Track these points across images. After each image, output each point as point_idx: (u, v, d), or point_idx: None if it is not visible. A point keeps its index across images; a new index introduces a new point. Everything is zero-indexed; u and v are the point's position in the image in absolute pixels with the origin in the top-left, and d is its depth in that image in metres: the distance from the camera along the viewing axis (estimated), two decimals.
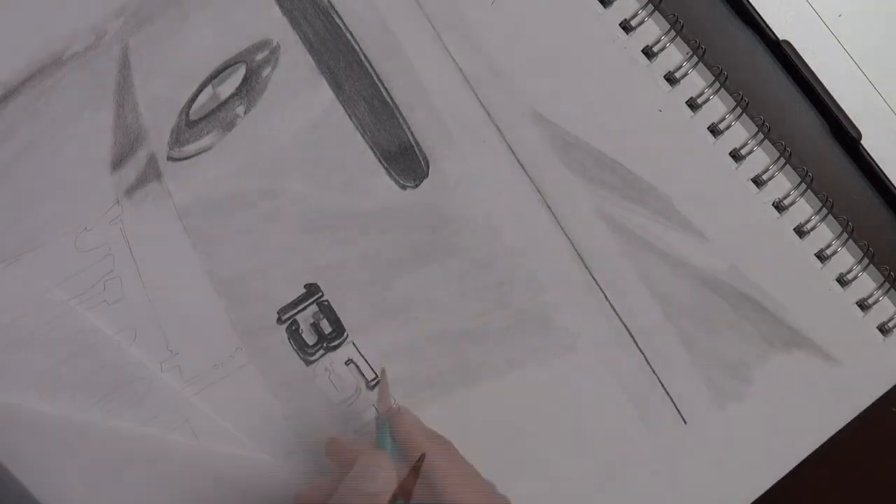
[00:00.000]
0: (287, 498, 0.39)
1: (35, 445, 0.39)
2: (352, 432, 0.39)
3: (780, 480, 0.40)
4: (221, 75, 0.41)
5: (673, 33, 0.41)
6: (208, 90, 0.41)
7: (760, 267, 0.41)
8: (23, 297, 0.39)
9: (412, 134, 0.41)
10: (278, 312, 0.40)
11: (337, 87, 0.41)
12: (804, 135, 0.42)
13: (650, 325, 0.40)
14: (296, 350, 0.40)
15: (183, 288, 0.40)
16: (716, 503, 0.40)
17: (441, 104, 0.41)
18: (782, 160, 0.41)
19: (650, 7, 0.41)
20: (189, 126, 0.41)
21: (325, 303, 0.40)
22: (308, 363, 0.40)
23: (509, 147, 0.41)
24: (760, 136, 0.41)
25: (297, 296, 0.40)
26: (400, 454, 0.36)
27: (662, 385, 0.40)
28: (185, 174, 0.41)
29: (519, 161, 0.41)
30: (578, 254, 0.40)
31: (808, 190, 0.41)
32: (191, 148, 0.41)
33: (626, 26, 0.42)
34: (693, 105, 0.41)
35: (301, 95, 0.41)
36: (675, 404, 0.40)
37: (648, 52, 0.41)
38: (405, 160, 0.41)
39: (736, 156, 0.41)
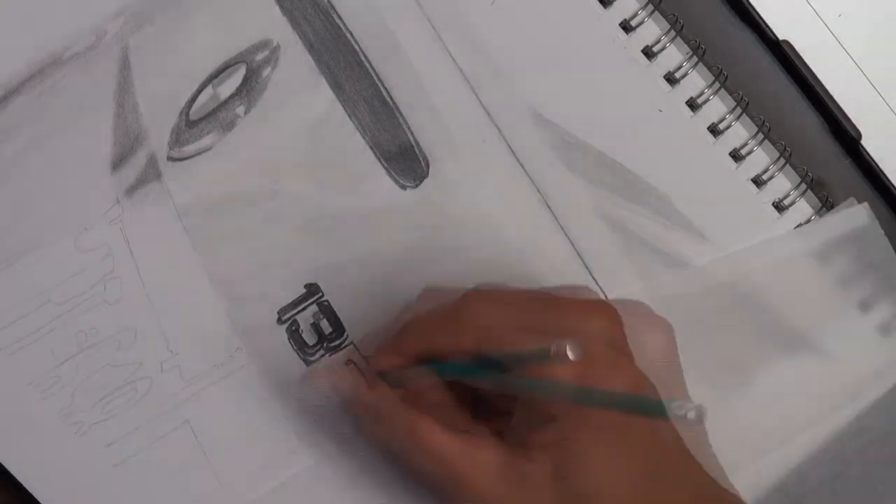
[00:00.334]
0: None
1: (35, 445, 0.39)
2: (349, 431, 0.39)
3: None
4: (221, 75, 0.41)
5: (673, 33, 0.41)
6: (208, 90, 0.41)
7: (760, 267, 0.41)
8: (23, 297, 0.39)
9: (412, 134, 0.41)
10: (278, 313, 0.40)
11: (337, 87, 0.41)
12: (804, 135, 0.42)
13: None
14: (296, 350, 0.40)
15: (183, 288, 0.40)
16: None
17: (441, 104, 0.41)
18: (782, 160, 0.41)
19: (650, 7, 0.41)
20: (189, 126, 0.41)
21: (326, 303, 0.40)
22: (308, 363, 0.40)
23: (509, 147, 0.41)
24: (760, 136, 0.41)
25: (297, 296, 0.40)
26: None
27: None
28: (186, 174, 0.41)
29: (519, 161, 0.41)
30: (578, 254, 0.40)
31: (808, 190, 0.41)
32: (191, 148, 0.41)
33: (626, 26, 0.42)
34: (693, 105, 0.41)
35: (301, 96, 0.41)
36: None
37: (648, 53, 0.41)
38: (405, 160, 0.41)
39: (736, 156, 0.41)
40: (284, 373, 0.39)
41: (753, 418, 0.40)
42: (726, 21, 0.43)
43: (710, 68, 0.41)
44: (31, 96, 0.41)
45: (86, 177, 0.40)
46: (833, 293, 0.41)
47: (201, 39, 0.41)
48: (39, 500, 0.39)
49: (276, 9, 0.42)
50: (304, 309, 0.40)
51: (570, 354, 0.27)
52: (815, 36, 0.43)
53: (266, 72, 0.41)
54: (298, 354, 0.40)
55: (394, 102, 0.41)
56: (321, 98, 0.41)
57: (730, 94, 0.41)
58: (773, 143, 0.41)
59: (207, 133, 0.41)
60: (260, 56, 0.41)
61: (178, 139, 0.41)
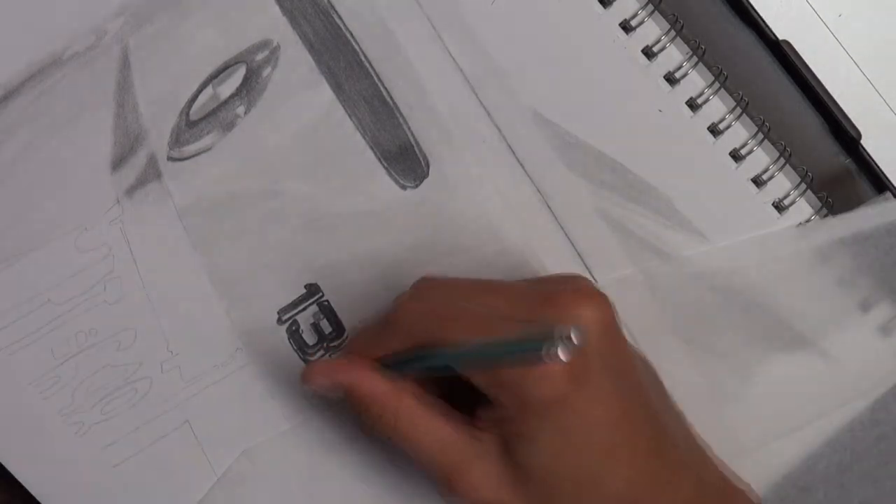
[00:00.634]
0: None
1: (35, 445, 0.39)
2: (351, 431, 0.39)
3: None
4: (221, 75, 0.41)
5: (673, 33, 0.41)
6: (208, 90, 0.41)
7: (760, 267, 0.41)
8: (23, 297, 0.39)
9: (412, 134, 0.41)
10: (278, 313, 0.40)
11: (337, 87, 0.41)
12: (804, 135, 0.42)
13: (650, 324, 0.40)
14: (296, 350, 0.40)
15: (183, 288, 0.40)
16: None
17: (441, 104, 0.41)
18: (782, 160, 0.41)
19: (650, 7, 0.41)
20: (189, 126, 0.41)
21: (326, 303, 0.40)
22: (308, 363, 0.39)
23: (509, 147, 0.41)
24: (760, 136, 0.41)
25: (297, 296, 0.40)
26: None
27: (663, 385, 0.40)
28: (186, 174, 0.41)
29: (519, 161, 0.41)
30: (578, 254, 0.40)
31: (808, 190, 0.41)
32: (191, 148, 0.41)
33: (625, 26, 0.42)
34: (693, 105, 0.41)
35: (301, 95, 0.41)
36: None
37: (648, 53, 0.41)
38: (405, 160, 0.41)
39: (736, 156, 0.41)
40: (284, 373, 0.39)
41: (754, 418, 0.40)
42: (726, 21, 0.43)
43: (709, 68, 0.41)
44: (31, 96, 0.41)
45: (86, 177, 0.41)
46: (834, 293, 0.41)
47: (201, 39, 0.41)
48: (39, 500, 0.39)
49: (276, 9, 0.42)
50: (304, 309, 0.40)
51: (574, 338, 0.27)
52: (815, 36, 0.43)
53: (266, 72, 0.41)
54: (298, 354, 0.40)
55: (394, 102, 0.41)
56: (321, 98, 0.41)
57: (730, 94, 0.41)
58: (773, 143, 0.41)
59: (207, 133, 0.41)
60: (260, 56, 0.41)
61: (178, 139, 0.41)
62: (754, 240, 0.41)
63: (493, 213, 0.40)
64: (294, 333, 0.40)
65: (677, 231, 0.41)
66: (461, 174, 0.41)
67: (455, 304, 0.34)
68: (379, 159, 0.41)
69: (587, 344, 0.29)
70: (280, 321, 0.40)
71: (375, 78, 0.41)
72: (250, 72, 0.41)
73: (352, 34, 0.42)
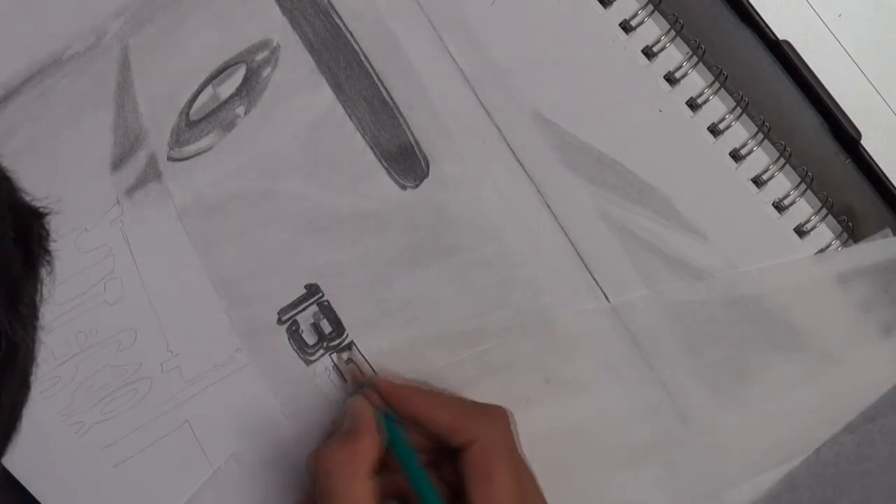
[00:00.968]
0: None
1: (35, 446, 0.39)
2: None
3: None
4: (221, 75, 0.41)
5: (673, 33, 0.41)
6: (208, 90, 0.41)
7: (760, 267, 0.41)
8: None
9: (412, 134, 0.41)
10: (278, 313, 0.40)
11: (337, 87, 0.41)
12: (804, 135, 0.42)
13: (650, 324, 0.40)
14: (296, 350, 0.40)
15: (183, 288, 0.40)
16: (717, 502, 0.40)
17: (441, 104, 0.41)
18: (782, 160, 0.41)
19: (650, 7, 0.41)
20: (189, 126, 0.41)
21: (326, 303, 0.40)
22: (308, 363, 0.40)
23: (509, 147, 0.41)
24: (760, 136, 0.41)
25: (297, 296, 0.40)
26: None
27: (663, 384, 0.40)
28: (186, 174, 0.41)
29: (519, 161, 0.41)
30: (578, 254, 0.40)
31: (808, 190, 0.41)
32: (191, 148, 0.41)
33: (625, 26, 0.42)
34: (693, 105, 0.41)
35: (301, 95, 0.41)
36: (675, 404, 0.40)
37: (648, 53, 0.41)
38: (405, 160, 0.41)
39: (736, 156, 0.41)
40: (285, 373, 0.39)
41: (755, 419, 0.40)
42: (726, 21, 0.43)
43: (710, 68, 0.41)
44: (31, 96, 0.41)
45: (86, 177, 0.41)
46: (833, 292, 0.41)
47: (201, 39, 0.41)
48: (39, 500, 0.39)
49: (276, 9, 0.42)
50: (304, 309, 0.40)
51: None
52: (815, 36, 0.43)
53: (266, 72, 0.41)
54: (298, 354, 0.40)
55: (394, 102, 0.41)
56: (321, 98, 0.41)
57: (730, 94, 0.41)
58: (773, 143, 0.41)
59: (207, 133, 0.41)
60: (260, 56, 0.41)
61: (178, 139, 0.41)
62: (754, 240, 0.41)
63: (493, 213, 0.40)
64: (294, 333, 0.40)
65: (677, 231, 0.41)
66: (461, 174, 0.41)
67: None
68: (379, 159, 0.41)
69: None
70: (280, 321, 0.40)
71: (375, 78, 0.41)
72: (250, 72, 0.41)
73: (352, 34, 0.42)
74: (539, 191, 0.41)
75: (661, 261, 0.40)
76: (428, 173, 0.41)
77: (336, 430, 0.37)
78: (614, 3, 0.42)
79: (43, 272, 0.29)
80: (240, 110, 0.41)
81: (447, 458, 0.36)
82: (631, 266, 0.40)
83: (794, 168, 0.41)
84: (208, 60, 0.41)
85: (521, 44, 0.41)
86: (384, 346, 0.40)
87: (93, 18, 0.41)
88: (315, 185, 0.41)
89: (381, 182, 0.41)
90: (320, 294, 0.40)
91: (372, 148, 0.41)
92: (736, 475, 0.40)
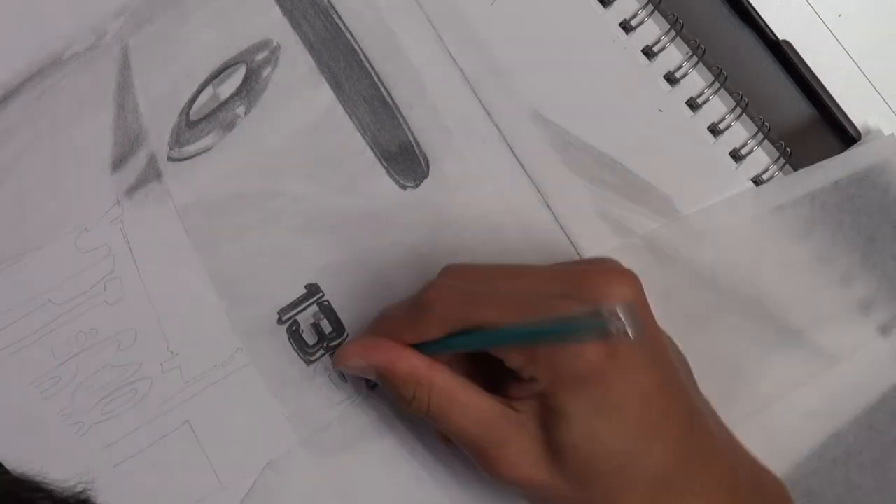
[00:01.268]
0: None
1: (35, 445, 0.39)
2: (351, 431, 0.39)
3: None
4: (222, 75, 0.41)
5: (673, 33, 0.41)
6: (208, 90, 0.41)
7: (761, 267, 0.41)
8: (23, 297, 0.39)
9: (412, 134, 0.41)
10: (279, 313, 0.40)
11: (337, 87, 0.41)
12: (804, 135, 0.42)
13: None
14: (296, 350, 0.40)
15: (183, 288, 0.40)
16: None
17: (441, 104, 0.41)
18: (782, 160, 0.41)
19: (650, 7, 0.41)
20: (189, 126, 0.41)
21: (326, 303, 0.40)
22: (308, 363, 0.40)
23: (509, 147, 0.41)
24: (760, 135, 0.41)
25: (297, 296, 0.40)
26: None
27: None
28: (186, 174, 0.41)
29: (519, 161, 0.41)
30: (578, 253, 0.40)
31: None
32: (191, 148, 0.41)
33: (625, 26, 0.42)
34: (693, 105, 0.41)
35: (301, 95, 0.41)
36: None
37: (648, 52, 0.41)
38: (405, 160, 0.41)
39: (736, 156, 0.41)
40: (285, 373, 0.39)
41: (755, 418, 0.40)
42: (726, 21, 0.43)
43: (709, 68, 0.41)
44: (31, 96, 0.41)
45: (86, 177, 0.41)
46: (834, 292, 0.41)
47: (201, 39, 0.41)
48: None
49: (276, 9, 0.42)
50: (304, 309, 0.40)
51: (623, 320, 0.27)
52: (815, 36, 0.43)
53: (266, 72, 0.41)
54: (299, 354, 0.40)
55: (394, 102, 0.41)
56: (321, 98, 0.41)
57: (730, 94, 0.41)
58: (773, 143, 0.41)
59: (208, 133, 0.41)
60: (260, 56, 0.41)
61: (178, 139, 0.41)
62: (754, 240, 0.41)
63: (493, 213, 0.40)
64: (294, 333, 0.40)
65: (677, 231, 0.41)
66: (461, 174, 0.41)
67: (487, 287, 0.34)
68: (379, 159, 0.41)
69: (637, 320, 0.29)
70: (280, 321, 0.40)
71: (375, 78, 0.41)
72: (250, 72, 0.41)
73: (352, 34, 0.42)
74: (539, 190, 0.41)
75: (661, 260, 0.40)
76: (428, 173, 0.41)
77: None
78: (614, 3, 0.42)
79: None
80: (240, 110, 0.41)
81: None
82: (630, 265, 0.40)
83: (794, 168, 0.41)
84: (208, 60, 0.41)
85: (521, 44, 0.41)
86: None
87: (93, 18, 0.42)
88: (315, 185, 0.41)
89: (382, 182, 0.41)
90: (320, 294, 0.40)
91: (372, 148, 0.41)
92: (770, 394, 0.39)
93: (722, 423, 0.36)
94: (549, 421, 0.33)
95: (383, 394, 0.39)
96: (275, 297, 0.40)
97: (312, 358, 0.40)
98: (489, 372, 0.35)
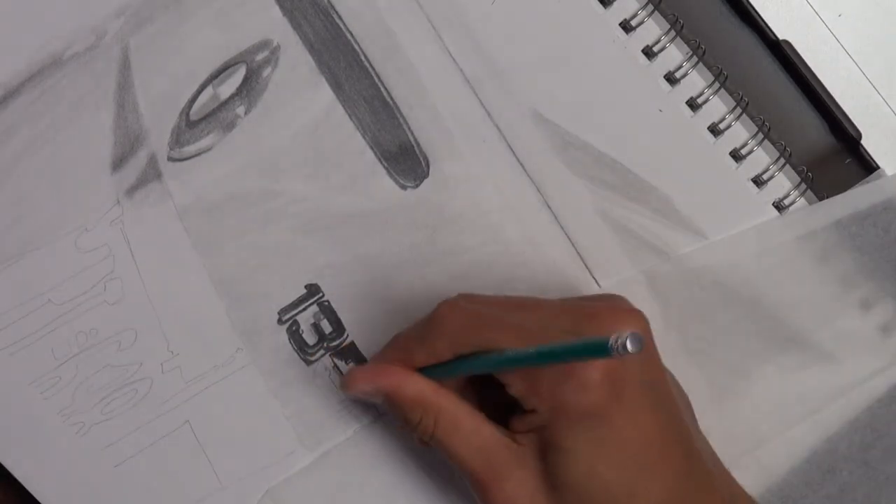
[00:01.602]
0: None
1: (35, 446, 0.39)
2: (353, 433, 0.39)
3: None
4: (222, 75, 0.41)
5: (673, 33, 0.41)
6: (209, 90, 0.41)
7: (761, 267, 0.41)
8: (24, 297, 0.39)
9: (412, 134, 0.41)
10: (279, 313, 0.40)
11: (337, 87, 0.41)
12: (804, 134, 0.42)
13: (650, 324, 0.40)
14: (296, 350, 0.40)
15: (183, 288, 0.40)
16: (753, 459, 0.40)
17: (441, 104, 0.41)
18: (782, 160, 0.41)
19: (650, 7, 0.41)
20: (189, 126, 0.41)
21: (326, 303, 0.40)
22: (308, 363, 0.40)
23: (509, 147, 0.41)
24: (760, 135, 0.41)
25: (297, 296, 0.40)
26: None
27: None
28: (186, 174, 0.41)
29: (519, 160, 0.41)
30: (578, 253, 0.40)
31: (808, 190, 0.41)
32: (191, 148, 0.41)
33: (625, 26, 0.42)
34: (693, 105, 0.41)
35: (301, 96, 0.41)
36: None
37: (648, 52, 0.41)
38: (405, 160, 0.41)
39: (736, 155, 0.41)
40: (285, 373, 0.39)
41: (754, 417, 0.40)
42: (726, 21, 0.43)
43: (710, 68, 0.41)
44: (32, 96, 0.41)
45: (86, 177, 0.41)
46: (834, 292, 0.41)
47: (201, 39, 0.41)
48: (39, 500, 0.39)
49: (277, 9, 0.42)
50: (304, 309, 0.40)
51: (630, 347, 0.27)
52: (815, 36, 0.43)
53: (266, 72, 0.41)
54: (299, 354, 0.40)
55: (394, 102, 0.41)
56: (321, 98, 0.41)
57: (730, 94, 0.41)
58: (773, 143, 0.41)
59: (208, 133, 0.41)
60: (260, 56, 0.41)
61: (178, 139, 0.41)
62: (750, 231, 0.41)
63: (493, 213, 0.40)
64: (294, 333, 0.40)
65: (677, 231, 0.41)
66: (461, 174, 0.41)
67: (498, 315, 0.34)
68: (379, 159, 0.41)
69: (643, 345, 0.29)
70: (280, 321, 0.40)
71: (375, 78, 0.41)
72: (250, 72, 0.41)
73: (352, 34, 0.42)
74: (539, 190, 0.41)
75: (662, 260, 0.40)
76: (428, 173, 0.41)
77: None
78: (614, 3, 0.42)
79: None
80: (240, 110, 0.41)
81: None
82: (631, 265, 0.40)
83: (794, 168, 0.41)
84: (208, 60, 0.41)
85: (521, 43, 0.41)
86: None
87: (93, 18, 0.41)
88: (315, 185, 0.41)
89: (382, 182, 0.41)
90: (320, 294, 0.40)
91: (372, 148, 0.41)
92: (768, 431, 0.40)
93: (719, 463, 0.37)
94: (548, 455, 0.33)
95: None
96: (275, 297, 0.40)
97: (312, 358, 0.40)
98: (495, 405, 0.35)
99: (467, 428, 0.34)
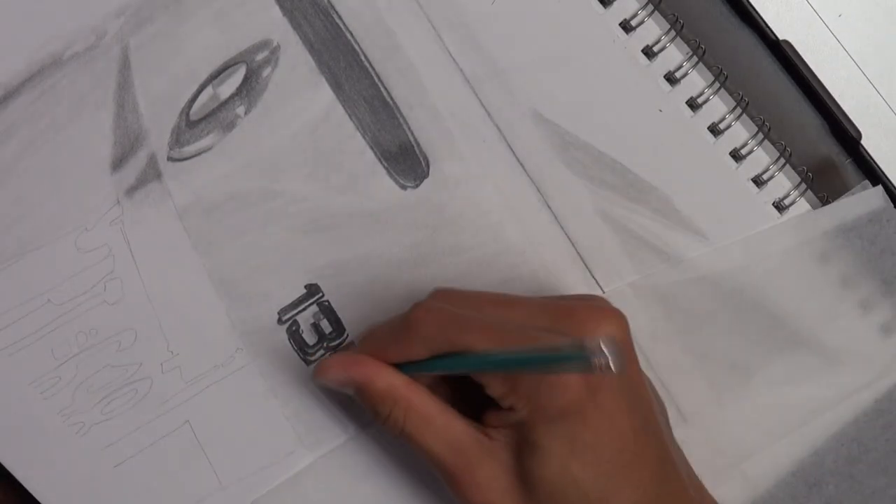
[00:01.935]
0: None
1: (35, 446, 0.39)
2: (353, 432, 0.39)
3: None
4: (222, 75, 0.41)
5: (673, 33, 0.41)
6: (208, 90, 0.41)
7: (760, 266, 0.41)
8: (23, 297, 0.39)
9: (412, 134, 0.41)
10: (279, 313, 0.40)
11: (337, 87, 0.41)
12: (804, 134, 0.42)
13: (650, 324, 0.40)
14: (296, 350, 0.40)
15: (183, 288, 0.40)
16: (738, 472, 0.40)
17: (441, 104, 0.41)
18: (782, 160, 0.41)
19: (650, 7, 0.41)
20: (189, 126, 0.41)
21: (326, 303, 0.40)
22: (308, 363, 0.40)
23: (509, 146, 0.41)
24: (760, 135, 0.41)
25: (297, 296, 0.40)
26: None
27: (663, 384, 0.40)
28: (186, 174, 0.41)
29: (519, 160, 0.41)
30: (578, 253, 0.40)
31: (808, 190, 0.41)
32: (191, 148, 0.41)
33: (626, 26, 0.42)
34: (693, 105, 0.41)
35: (301, 95, 0.41)
36: (675, 402, 0.40)
37: (648, 52, 0.41)
38: (405, 160, 0.41)
39: (736, 155, 0.41)
40: (285, 373, 0.39)
41: (753, 416, 0.40)
42: (726, 21, 0.43)
43: (710, 68, 0.41)
44: (32, 96, 0.41)
45: (86, 177, 0.40)
46: (834, 292, 0.41)
47: (201, 39, 0.41)
48: (39, 500, 0.39)
49: (277, 9, 0.42)
50: (304, 309, 0.40)
51: (613, 367, 0.27)
52: (815, 36, 0.43)
53: (266, 72, 0.41)
54: (299, 354, 0.40)
55: (394, 102, 0.41)
56: (321, 98, 0.41)
57: (730, 94, 0.41)
58: (773, 143, 0.41)
59: (208, 133, 0.41)
60: (260, 56, 0.41)
61: (178, 139, 0.41)
62: (751, 238, 0.41)
63: (493, 212, 0.40)
64: (294, 333, 0.40)
65: (678, 230, 0.41)
66: (461, 174, 0.41)
67: (474, 313, 0.34)
68: (379, 159, 0.41)
69: (620, 356, 0.29)
70: (280, 321, 0.40)
71: (375, 78, 0.41)
72: (250, 72, 0.41)
73: (352, 34, 0.42)
74: (539, 190, 0.41)
75: (662, 260, 0.40)
76: (428, 173, 0.41)
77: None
78: (614, 3, 0.42)
79: None
80: (240, 110, 0.41)
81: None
82: (630, 265, 0.40)
83: (794, 168, 0.41)
84: (208, 60, 0.41)
85: (521, 43, 0.41)
86: None
87: (93, 18, 0.41)
88: (315, 185, 0.41)
89: (382, 182, 0.41)
90: (320, 294, 0.40)
91: (372, 148, 0.41)
92: (753, 444, 0.40)
93: (692, 472, 0.37)
94: (523, 452, 0.33)
95: None
96: (275, 297, 0.40)
97: (312, 358, 0.40)
98: (468, 398, 0.35)
99: (438, 423, 0.34)
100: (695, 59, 0.41)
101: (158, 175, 0.41)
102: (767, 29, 0.42)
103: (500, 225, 0.40)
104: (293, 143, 0.41)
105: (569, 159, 0.41)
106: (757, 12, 0.42)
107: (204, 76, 0.41)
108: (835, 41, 0.43)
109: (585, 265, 0.40)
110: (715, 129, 0.41)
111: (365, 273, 0.40)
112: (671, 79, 0.41)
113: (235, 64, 0.41)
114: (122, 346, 0.39)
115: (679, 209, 0.41)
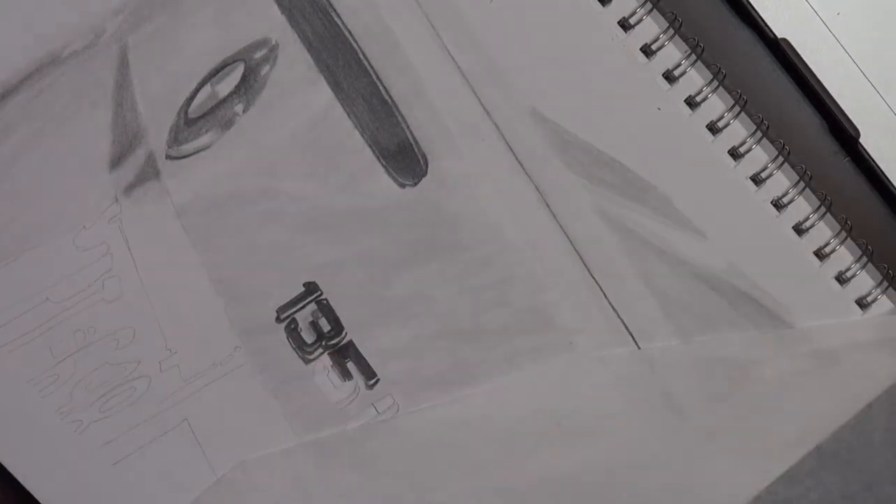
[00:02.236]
0: None
1: (34, 443, 0.39)
2: (351, 431, 0.39)
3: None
4: (220, 74, 0.41)
5: (671, 31, 0.41)
6: (207, 88, 0.41)
7: (759, 265, 0.41)
8: (22, 295, 0.39)
9: (411, 132, 0.41)
10: (277, 311, 0.40)
11: (336, 85, 0.41)
12: (802, 133, 0.42)
13: (649, 324, 0.40)
14: (294, 349, 0.40)
15: (181, 287, 0.40)
16: (714, 499, 0.40)
17: (440, 102, 0.41)
18: (781, 158, 0.41)
19: (648, 5, 0.41)
20: (188, 124, 0.41)
21: (324, 301, 0.40)
22: (307, 362, 0.40)
23: (508, 145, 0.41)
24: (759, 134, 0.41)
25: (295, 294, 0.40)
26: None
27: (662, 384, 0.40)
28: (184, 173, 0.41)
29: (518, 159, 0.41)
30: (577, 252, 0.40)
31: (807, 188, 0.41)
32: (189, 146, 0.41)
33: (624, 24, 0.42)
34: (691, 103, 0.41)
35: (300, 94, 0.41)
36: (674, 402, 0.40)
37: (647, 51, 0.41)
38: (404, 158, 0.41)
39: (735, 154, 0.41)
40: (283, 371, 0.39)
41: (752, 416, 0.40)
42: (725, 19, 0.43)
43: (708, 66, 0.41)
44: (30, 94, 0.41)
45: (84, 175, 0.41)
46: (831, 290, 0.41)
47: (200, 37, 0.41)
48: (38, 498, 0.39)
49: (275, 7, 0.42)
50: (302, 307, 0.40)
51: None
52: (813, 34, 0.43)
53: (265, 70, 0.41)
54: (297, 353, 0.40)
55: (392, 101, 0.41)
56: (320, 96, 0.41)
57: (728, 93, 0.41)
58: (772, 142, 0.41)
59: (206, 131, 0.41)
60: (258, 54, 0.41)
61: (176, 137, 0.41)
62: (752, 238, 0.41)
63: (492, 211, 0.40)
64: (293, 332, 0.40)
65: (676, 229, 0.41)
66: (460, 172, 0.41)
67: None
68: (377, 157, 0.41)
69: None
70: (279, 319, 0.40)
71: (374, 76, 0.41)
72: (249, 70, 0.41)
73: (350, 32, 0.42)
74: (538, 189, 0.41)
75: (660, 259, 0.40)
76: (426, 172, 0.41)
77: None
78: (613, 1, 0.42)
79: None
80: (238, 108, 0.41)
81: None
82: (629, 264, 0.40)
83: (793, 166, 0.41)
84: (207, 58, 0.41)
85: (519, 42, 0.41)
86: (383, 345, 0.40)
87: (91, 17, 0.42)
88: (314, 184, 0.41)
89: (380, 180, 0.41)
90: (319, 292, 0.40)
91: (370, 146, 0.41)
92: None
93: None
94: None
95: (383, 389, 0.39)
96: (273, 295, 0.40)
97: (311, 356, 0.40)
98: None
99: None
100: (693, 57, 0.41)
101: (157, 173, 0.41)
102: (766, 27, 0.42)
103: (498, 223, 0.40)
104: (292, 141, 0.41)
105: (567, 158, 0.41)
106: (756, 11, 0.42)
107: (202, 74, 0.41)
108: (833, 40, 0.43)
109: (584, 264, 0.40)
110: (713, 128, 0.41)
111: (364, 271, 0.40)
112: (670, 77, 0.41)
113: (234, 62, 0.41)
114: (120, 343, 0.39)
115: (678, 207, 0.41)
